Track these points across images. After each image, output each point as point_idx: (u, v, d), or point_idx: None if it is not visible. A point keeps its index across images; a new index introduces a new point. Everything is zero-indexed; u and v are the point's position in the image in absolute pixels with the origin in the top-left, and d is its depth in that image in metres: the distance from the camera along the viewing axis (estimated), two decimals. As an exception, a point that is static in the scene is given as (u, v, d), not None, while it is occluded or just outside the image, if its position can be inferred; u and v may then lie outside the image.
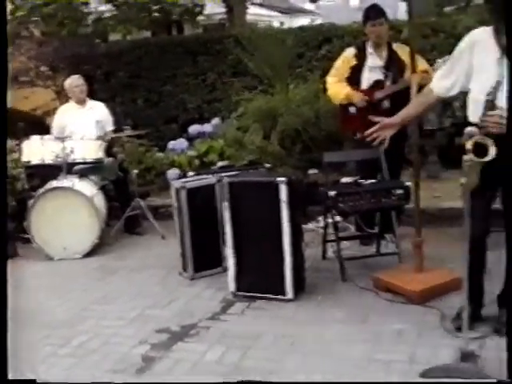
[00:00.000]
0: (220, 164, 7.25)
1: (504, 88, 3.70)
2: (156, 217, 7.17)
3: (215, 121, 8.74)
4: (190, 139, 8.58)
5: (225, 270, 5.33)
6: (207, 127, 8.62)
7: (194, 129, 8.73)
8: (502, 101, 3.69)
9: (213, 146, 8.03)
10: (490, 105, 3.66)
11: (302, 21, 16.10)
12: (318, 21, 19.51)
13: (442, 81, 4.14)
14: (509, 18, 3.86)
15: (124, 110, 9.22)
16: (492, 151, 3.57)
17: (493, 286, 4.26)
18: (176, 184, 5.59)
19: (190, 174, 6.08)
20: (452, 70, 4.07)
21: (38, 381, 3.56)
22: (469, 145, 3.62)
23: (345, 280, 5.18)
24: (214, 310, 4.86)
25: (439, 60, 6.30)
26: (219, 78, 9.51)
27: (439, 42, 8.13)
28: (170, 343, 4.35)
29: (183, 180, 5.73)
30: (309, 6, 25.32)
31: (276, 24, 14.42)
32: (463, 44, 4.03)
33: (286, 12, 24.27)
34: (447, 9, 11.54)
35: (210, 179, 5.64)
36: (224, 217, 5.01)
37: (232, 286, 5.03)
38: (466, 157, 3.67)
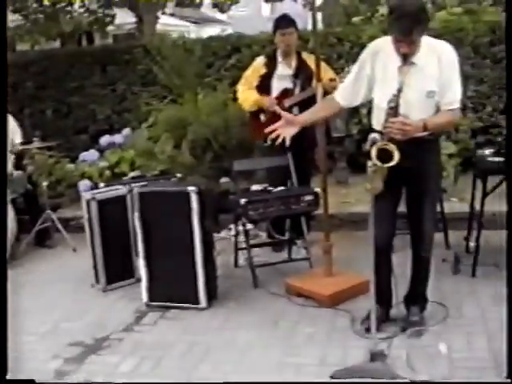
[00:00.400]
0: (131, 174, 7.19)
1: (406, 96, 3.84)
2: (67, 229, 7.05)
3: (126, 131, 8.67)
4: (101, 150, 8.48)
5: (138, 280, 5.31)
6: (118, 138, 8.54)
7: (105, 140, 8.64)
8: (403, 108, 3.82)
9: (124, 156, 7.98)
10: (393, 112, 3.79)
11: (214, 30, 16.16)
12: (229, 30, 19.63)
13: (345, 91, 4.23)
14: (509, 19, 4.01)
15: (33, 122, 9.05)
16: (396, 157, 3.70)
17: (400, 287, 4.40)
18: (86, 195, 5.53)
19: (102, 185, 6.02)
20: (355, 80, 4.16)
21: (36, 381, 3.50)
22: (373, 151, 3.74)
23: (257, 286, 5.24)
24: (127, 321, 4.84)
25: (346, 68, 6.44)
26: (129, 88, 9.44)
27: (345, 51, 8.31)
28: (83, 356, 4.30)
29: (93, 191, 5.68)
30: (220, 16, 25.42)
31: (187, 34, 14.40)
32: (365, 54, 4.14)
33: (197, 22, 24.30)
34: (355, 19, 11.83)
35: (120, 190, 5.60)
36: (135, 227, 4.99)
37: (145, 296, 5.02)
38: (370, 163, 3.79)
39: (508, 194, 3.93)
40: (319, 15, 16.90)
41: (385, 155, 3.73)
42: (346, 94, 4.21)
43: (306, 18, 11.55)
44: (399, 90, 3.76)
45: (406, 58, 3.81)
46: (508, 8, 4.26)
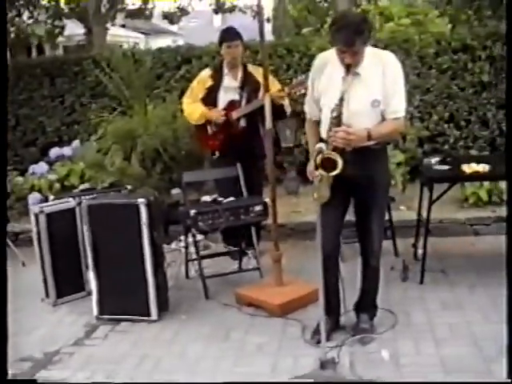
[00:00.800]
0: (81, 187, 7.14)
1: (351, 105, 3.90)
2: (16, 243, 6.95)
3: (75, 143, 8.60)
4: (51, 163, 8.40)
5: (88, 293, 5.26)
6: (67, 150, 8.47)
7: (54, 152, 8.55)
8: (349, 117, 3.88)
9: (73, 169, 7.91)
10: (336, 121, 3.84)
11: (165, 42, 16.14)
12: (181, 42, 19.64)
13: (309, 106, 4.29)
14: (509, 17, 4.08)
15: (-21, 135, 8.92)
16: (339, 165, 3.74)
17: (351, 295, 4.44)
18: (34, 209, 5.47)
19: (51, 198, 5.97)
20: (311, 94, 4.23)
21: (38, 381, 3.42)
22: (318, 160, 3.78)
23: (208, 298, 5.24)
24: (77, 335, 4.79)
25: (296, 78, 6.48)
26: (78, 99, 9.36)
27: (295, 62, 8.37)
28: (33, 371, 4.25)
29: (42, 204, 5.62)
30: (172, 27, 25.38)
31: (138, 45, 14.36)
32: (313, 67, 4.22)
33: (149, 33, 24.23)
34: (304, 30, 11.96)
35: (69, 203, 5.55)
36: (85, 240, 4.96)
37: (95, 309, 4.98)
38: (315, 172, 3.84)
39: (508, 197, 4.00)
40: (270, 26, 17.06)
41: (330, 164, 3.77)
42: (311, 108, 4.27)
43: (256, 29, 11.58)
44: (341, 99, 3.81)
45: (349, 68, 3.87)
46: (508, 9, 4.38)
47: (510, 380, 3.39)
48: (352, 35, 3.78)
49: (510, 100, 4.05)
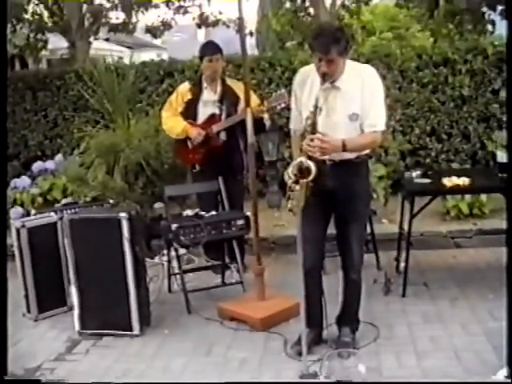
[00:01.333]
0: (64, 201, 7.11)
1: (330, 118, 3.93)
2: (-2, 258, 6.92)
3: (58, 157, 8.58)
4: (33, 177, 8.37)
5: (70, 308, 5.22)
6: (50, 164, 8.44)
7: (36, 166, 8.52)
8: (324, 129, 3.90)
9: (56, 183, 7.88)
10: (310, 129, 3.86)
11: (149, 55, 16.12)
12: (165, 55, 19.63)
13: (293, 119, 4.33)
14: (509, 16, 4.10)
15: (-39, 149, 8.88)
16: (313, 171, 3.74)
17: (333, 308, 4.45)
18: (16, 223, 5.44)
19: (33, 212, 5.95)
20: (295, 108, 4.27)
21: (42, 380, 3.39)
22: (295, 169, 3.80)
23: (190, 312, 5.23)
24: (58, 350, 4.77)
25: (275, 92, 6.50)
26: (60, 113, 9.35)
27: (277, 76, 8.41)
28: (13, 388, 4.23)
29: (23, 219, 5.59)
30: (156, 41, 25.41)
31: (124, 59, 14.37)
32: (295, 81, 4.28)
33: (132, 47, 24.22)
34: (288, 44, 12.03)
35: (51, 217, 5.53)
36: (67, 255, 4.94)
37: (77, 324, 4.95)
38: (289, 181, 3.84)
39: (508, 207, 4.02)
40: (254, 40, 17.12)
41: (306, 172, 3.78)
42: (296, 122, 4.30)
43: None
44: (316, 107, 3.84)
45: (325, 78, 3.89)
46: (508, 11, 4.43)
47: (510, 380, 3.42)
48: (327, 42, 3.85)
49: (511, 102, 4.07)
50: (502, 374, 3.60)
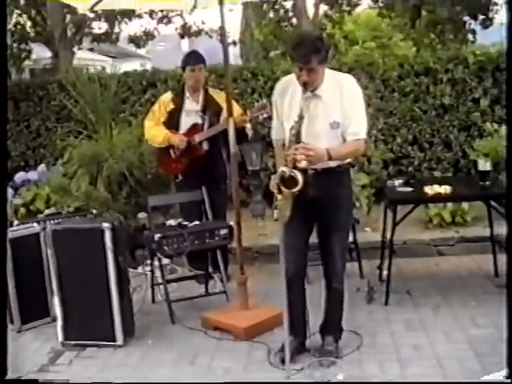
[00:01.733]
0: (47, 212, 7.09)
1: (312, 127, 3.95)
2: (-20, 269, 6.88)
3: (41, 168, 8.56)
4: (16, 187, 8.33)
5: (53, 319, 5.21)
6: (33, 175, 8.42)
7: (19, 176, 8.50)
8: (305, 137, 3.91)
9: (39, 193, 7.85)
10: (294, 138, 3.88)
11: (133, 65, 16.13)
12: (148, 65, 19.63)
13: (277, 129, 4.33)
14: (509, 16, 4.13)
15: None
16: (300, 181, 3.76)
17: (316, 317, 4.46)
18: (-2, 234, 5.42)
19: (16, 223, 5.92)
20: (276, 118, 4.30)
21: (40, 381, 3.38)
22: (277, 178, 3.81)
23: (174, 322, 5.22)
24: (41, 361, 4.73)
25: (257, 102, 6.52)
26: (43, 124, 9.32)
27: (260, 86, 8.43)
28: (-4, 399, 4.20)
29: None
30: (140, 51, 25.41)
31: (107, 69, 14.36)
32: (275, 91, 4.31)
33: (117, 56, 24.20)
34: (272, 54, 12.07)
35: (34, 228, 5.51)
36: (50, 265, 4.92)
37: (60, 335, 4.93)
38: (275, 191, 3.86)
39: (507, 212, 4.04)
40: (238, 50, 17.17)
41: (291, 182, 3.80)
42: (278, 131, 4.31)
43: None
44: (300, 117, 3.86)
45: (306, 87, 3.92)
46: (509, 7, 4.47)
47: (510, 380, 3.43)
48: (307, 53, 3.87)
49: (511, 107, 4.10)
50: (500, 375, 3.61)
